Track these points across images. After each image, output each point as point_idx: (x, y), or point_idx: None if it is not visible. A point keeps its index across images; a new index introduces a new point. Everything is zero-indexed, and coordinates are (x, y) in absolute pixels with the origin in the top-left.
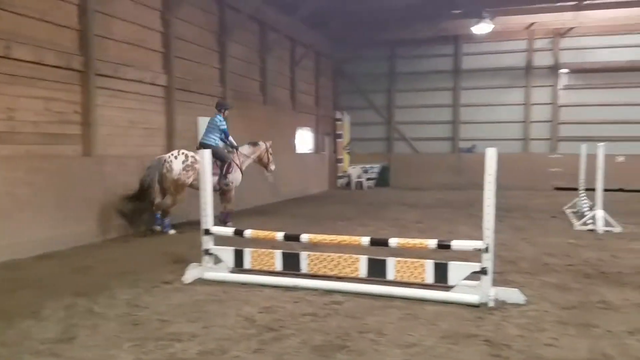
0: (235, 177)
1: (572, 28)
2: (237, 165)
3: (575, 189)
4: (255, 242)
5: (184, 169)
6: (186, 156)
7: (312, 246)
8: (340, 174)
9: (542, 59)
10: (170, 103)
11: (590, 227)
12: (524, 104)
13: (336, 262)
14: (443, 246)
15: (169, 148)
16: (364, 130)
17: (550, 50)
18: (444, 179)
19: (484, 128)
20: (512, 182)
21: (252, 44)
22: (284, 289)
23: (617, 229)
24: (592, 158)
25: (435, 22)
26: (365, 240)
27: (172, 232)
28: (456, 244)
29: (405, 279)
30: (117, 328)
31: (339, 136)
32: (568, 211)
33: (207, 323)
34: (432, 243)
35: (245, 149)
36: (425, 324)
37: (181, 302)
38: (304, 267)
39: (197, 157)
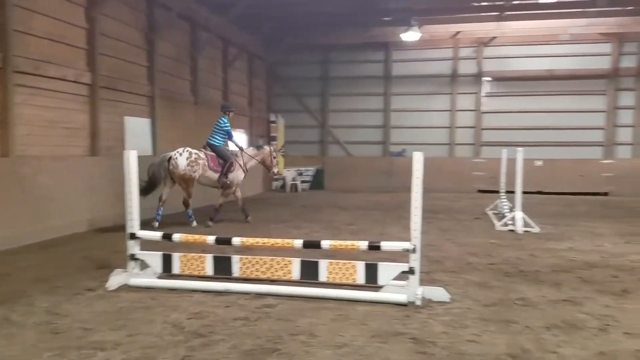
0: (237, 175)
1: (494, 37)
2: (240, 165)
3: (497, 192)
4: (185, 246)
5: (188, 164)
6: (190, 153)
7: (245, 249)
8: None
9: (467, 67)
10: (94, 102)
11: (510, 227)
12: (449, 110)
13: (269, 265)
14: (373, 247)
15: (93, 149)
16: (299, 133)
17: (474, 58)
18: (376, 182)
19: (413, 133)
20: (438, 185)
21: (182, 43)
22: (215, 294)
23: (535, 229)
24: (512, 162)
25: (366, 28)
26: (298, 242)
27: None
28: (385, 245)
29: (337, 280)
30: (36, 337)
31: (274, 139)
32: (490, 213)
33: (132, 331)
34: (363, 244)
35: (250, 151)
36: (356, 324)
37: (105, 309)
38: (236, 270)
39: (201, 155)
